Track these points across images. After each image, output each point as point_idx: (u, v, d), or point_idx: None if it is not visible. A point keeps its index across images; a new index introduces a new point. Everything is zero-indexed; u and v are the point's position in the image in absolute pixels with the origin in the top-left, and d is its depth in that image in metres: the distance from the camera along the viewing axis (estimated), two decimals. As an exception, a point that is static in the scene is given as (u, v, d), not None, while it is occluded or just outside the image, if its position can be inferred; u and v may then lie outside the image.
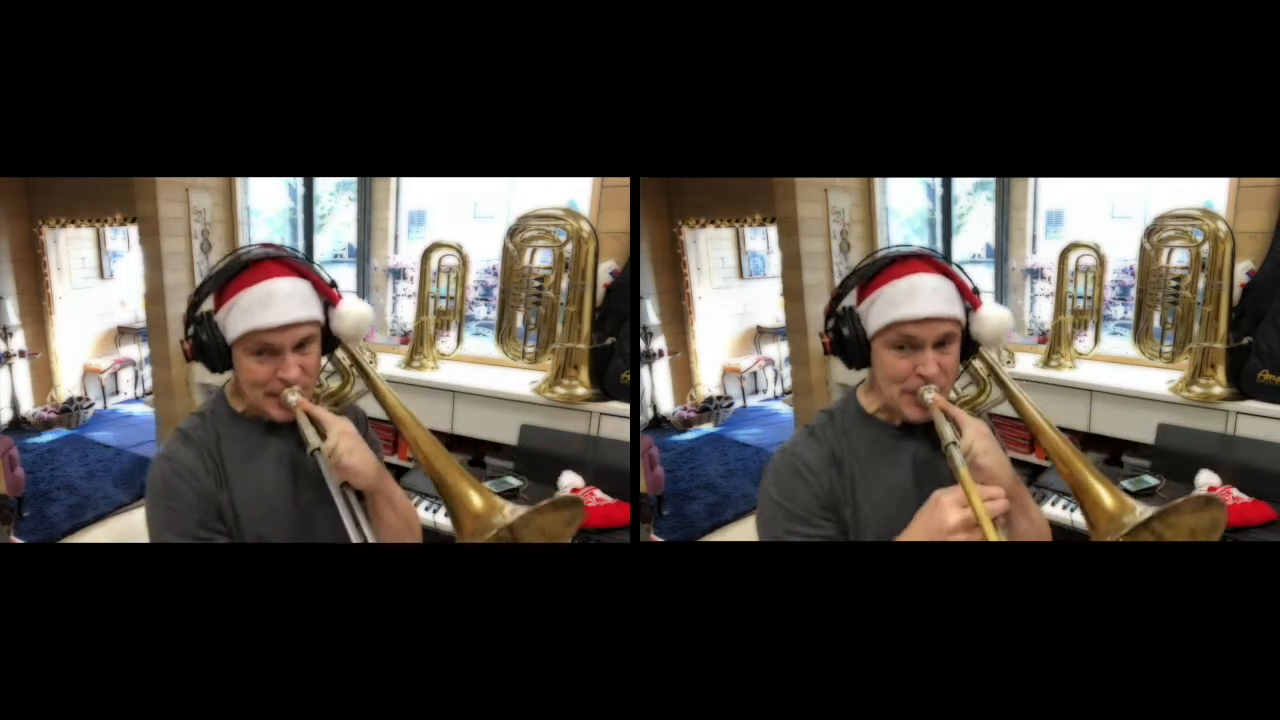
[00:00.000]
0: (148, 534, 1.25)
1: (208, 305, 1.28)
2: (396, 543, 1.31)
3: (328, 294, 1.31)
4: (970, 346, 1.30)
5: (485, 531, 1.10)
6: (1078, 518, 2.38)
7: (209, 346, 1.26)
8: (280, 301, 1.23)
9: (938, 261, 1.27)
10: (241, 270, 1.25)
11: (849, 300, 1.30)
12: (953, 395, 1.31)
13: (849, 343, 1.28)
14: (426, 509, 2.33)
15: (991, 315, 1.27)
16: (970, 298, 1.28)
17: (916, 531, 1.14)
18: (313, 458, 1.20)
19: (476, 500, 1.17)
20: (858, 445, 1.28)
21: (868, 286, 1.27)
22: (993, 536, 1.06)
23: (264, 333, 1.22)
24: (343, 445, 1.21)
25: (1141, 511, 1.08)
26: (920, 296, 1.22)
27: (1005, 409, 1.47)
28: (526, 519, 1.16)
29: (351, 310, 1.31)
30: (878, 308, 1.25)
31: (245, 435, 1.29)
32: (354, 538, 1.09)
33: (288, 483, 1.29)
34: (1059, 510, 2.40)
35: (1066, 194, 3.52)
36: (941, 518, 1.10)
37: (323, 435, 1.22)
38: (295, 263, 1.29)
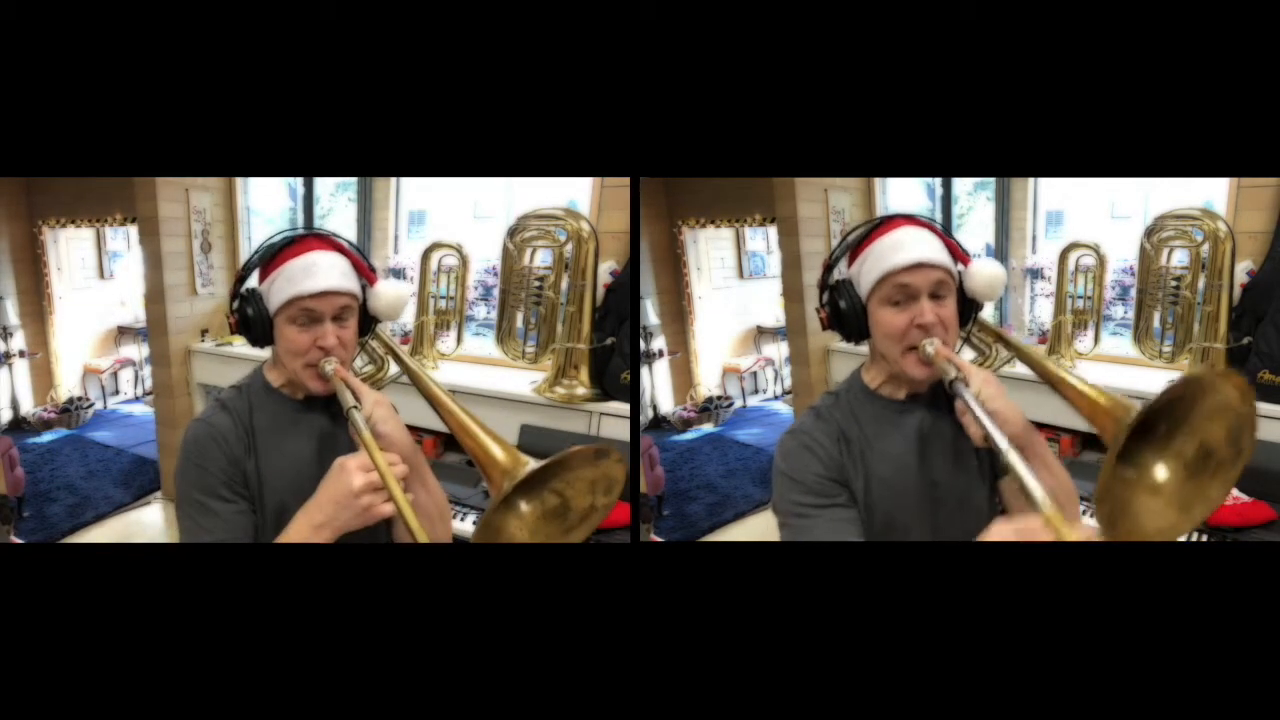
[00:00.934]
0: (176, 493, 1.30)
1: (252, 282, 1.35)
2: (401, 542, 1.33)
3: (366, 274, 1.37)
4: (968, 308, 1.30)
5: (514, 478, 1.14)
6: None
7: (253, 319, 1.32)
8: (323, 270, 1.29)
9: (921, 219, 1.28)
10: (286, 245, 1.32)
11: (839, 273, 1.31)
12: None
13: (845, 314, 1.28)
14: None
15: (983, 268, 1.28)
16: (959, 255, 1.27)
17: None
18: (348, 415, 1.23)
19: (500, 454, 1.20)
20: (863, 421, 1.28)
21: (856, 251, 1.28)
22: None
23: (306, 298, 1.28)
24: (379, 413, 1.25)
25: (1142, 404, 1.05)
26: (907, 245, 1.23)
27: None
28: (551, 468, 1.16)
29: (388, 289, 1.38)
30: (868, 266, 1.25)
31: (279, 409, 1.34)
32: (398, 504, 1.14)
33: (316, 458, 1.32)
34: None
35: (1066, 194, 3.52)
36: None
37: (359, 404, 1.25)
38: (337, 241, 1.36)
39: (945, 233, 1.28)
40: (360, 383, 1.29)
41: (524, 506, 1.18)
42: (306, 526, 1.18)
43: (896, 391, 1.30)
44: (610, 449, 1.19)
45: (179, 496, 1.30)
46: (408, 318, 3.48)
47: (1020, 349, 1.38)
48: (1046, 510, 0.96)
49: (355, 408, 1.23)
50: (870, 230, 1.27)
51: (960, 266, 1.28)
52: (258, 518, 1.29)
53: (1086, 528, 1.04)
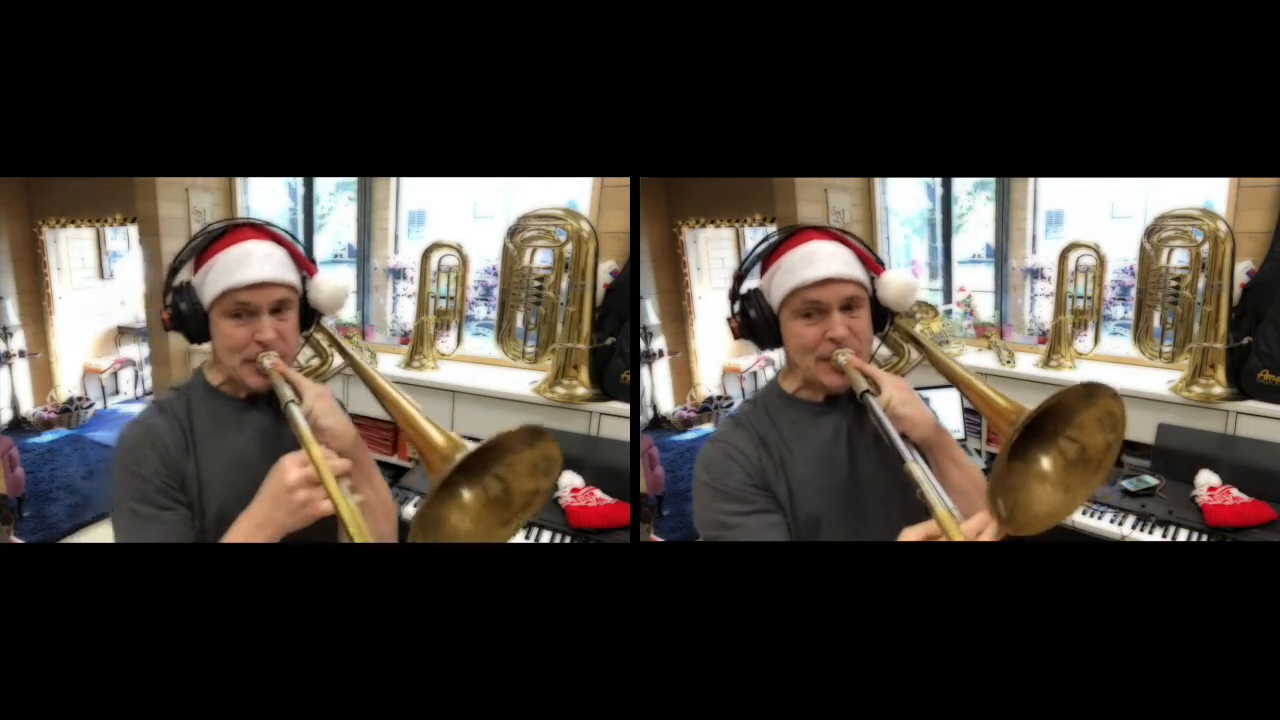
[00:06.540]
0: (116, 500, 1.23)
1: (185, 276, 1.29)
2: (380, 540, 1.28)
3: (305, 265, 1.31)
4: (882, 315, 1.31)
5: (449, 465, 1.09)
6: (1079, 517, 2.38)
7: (187, 315, 1.27)
8: (257, 261, 1.24)
9: (832, 231, 1.30)
10: (219, 236, 1.27)
11: (751, 283, 1.33)
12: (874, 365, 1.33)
13: (757, 323, 1.30)
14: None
15: (895, 278, 1.30)
16: (872, 265, 1.30)
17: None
18: (285, 410, 1.18)
19: (438, 438, 1.16)
20: (781, 426, 1.30)
21: (766, 263, 1.30)
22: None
23: (240, 290, 1.23)
24: (320, 406, 1.20)
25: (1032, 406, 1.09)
26: (817, 260, 1.25)
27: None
28: (490, 450, 1.12)
29: (328, 280, 1.33)
30: (778, 279, 1.27)
31: (220, 409, 1.29)
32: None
33: (260, 458, 1.24)
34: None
35: (1066, 194, 3.52)
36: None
37: (299, 399, 1.20)
38: (273, 230, 1.30)
39: (860, 242, 1.31)
40: (300, 376, 1.24)
41: (466, 494, 1.14)
42: (249, 525, 1.13)
43: (815, 395, 1.32)
44: (542, 428, 1.16)
45: (116, 505, 1.23)
46: (407, 317, 3.48)
47: (930, 351, 1.40)
48: (939, 514, 1.02)
49: (293, 402, 1.18)
50: (780, 242, 1.29)
51: (874, 276, 1.30)
52: (197, 522, 1.23)
53: (981, 519, 1.04)
